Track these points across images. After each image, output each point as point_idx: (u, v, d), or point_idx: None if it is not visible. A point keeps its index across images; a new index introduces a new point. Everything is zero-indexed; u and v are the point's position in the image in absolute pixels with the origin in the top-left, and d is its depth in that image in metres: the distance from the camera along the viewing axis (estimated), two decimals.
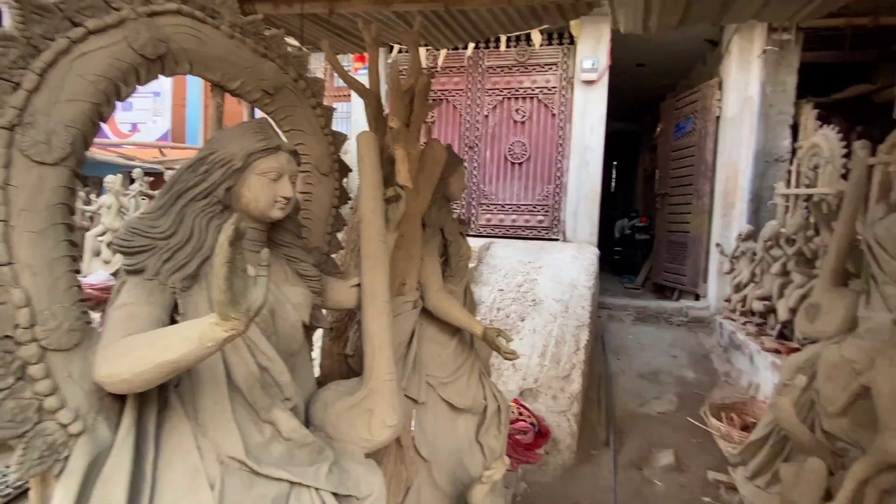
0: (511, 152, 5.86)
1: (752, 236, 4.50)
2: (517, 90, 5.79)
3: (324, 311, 1.62)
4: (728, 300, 4.85)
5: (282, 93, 1.41)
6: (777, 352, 3.52)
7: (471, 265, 5.01)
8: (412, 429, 1.90)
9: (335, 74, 2.84)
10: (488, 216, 6.02)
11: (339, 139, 1.61)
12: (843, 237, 2.41)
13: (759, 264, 4.23)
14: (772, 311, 3.90)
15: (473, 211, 6.07)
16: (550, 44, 5.59)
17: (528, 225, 5.88)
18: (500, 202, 5.97)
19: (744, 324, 4.42)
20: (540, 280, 4.66)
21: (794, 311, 3.38)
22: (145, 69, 1.07)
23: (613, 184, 14.37)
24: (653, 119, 8.25)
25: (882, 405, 1.72)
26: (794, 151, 4.65)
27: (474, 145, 5.99)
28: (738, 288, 4.61)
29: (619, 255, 8.87)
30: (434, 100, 1.97)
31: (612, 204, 13.72)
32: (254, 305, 0.84)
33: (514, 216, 5.92)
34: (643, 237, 7.80)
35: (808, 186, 4.01)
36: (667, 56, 6.31)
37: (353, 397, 1.43)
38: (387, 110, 1.73)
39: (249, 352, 1.13)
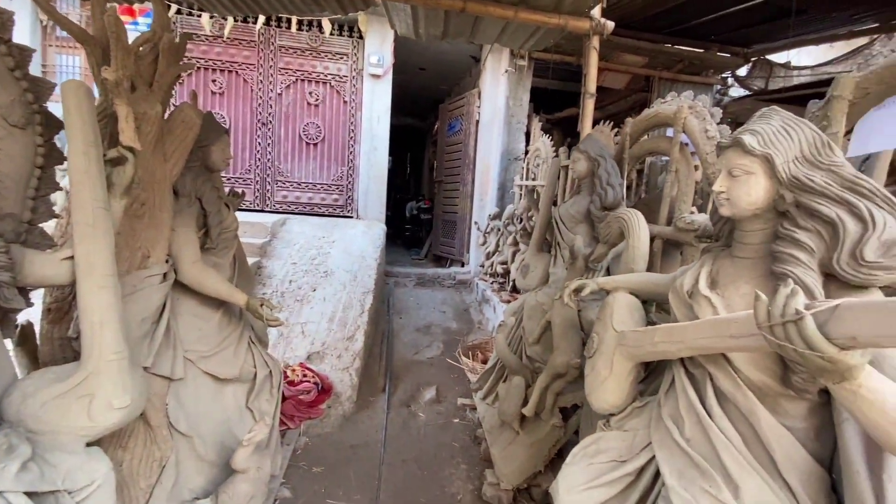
0: (306, 133, 5.52)
1: (497, 216, 5.21)
2: (311, 73, 5.45)
3: (30, 289, 1.24)
4: (482, 266, 5.55)
5: None
6: (510, 302, 4.18)
7: (263, 240, 4.59)
8: (167, 405, 1.63)
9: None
10: (284, 193, 5.59)
11: (40, 87, 1.22)
12: (543, 216, 2.95)
13: (501, 237, 4.93)
14: (508, 272, 4.61)
15: (269, 188, 5.56)
16: (341, 35, 5.39)
17: (324, 203, 5.67)
18: (296, 180, 5.60)
19: (491, 283, 5.12)
20: (332, 253, 4.56)
21: None
22: None
23: (408, 170, 14.99)
24: (434, 118, 8.79)
25: (555, 333, 2.17)
26: (526, 153, 5.51)
27: (268, 122, 5.45)
28: (489, 256, 5.31)
29: (409, 231, 9.34)
30: (185, 62, 1.65)
31: (406, 188, 14.35)
32: None
33: (310, 194, 5.63)
34: (427, 217, 8.33)
35: (533, 179, 4.81)
36: (443, 65, 6.73)
37: (64, 384, 1.13)
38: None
39: None
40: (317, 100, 5.48)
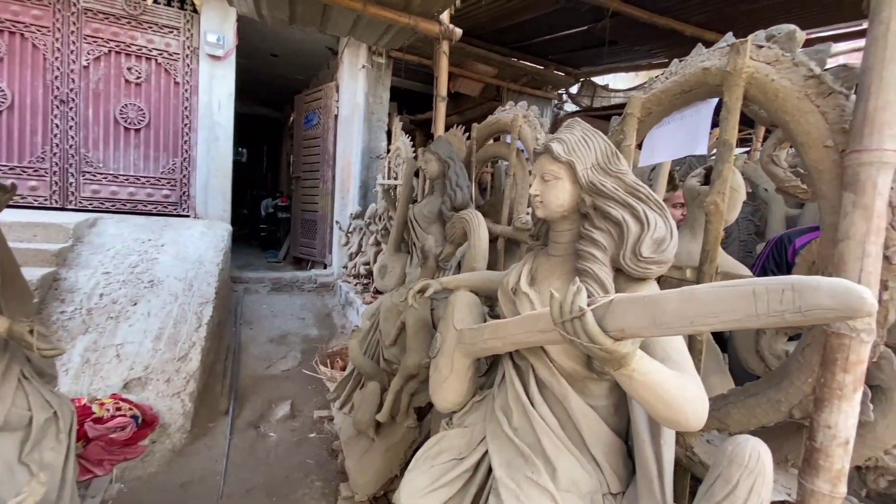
0: (124, 116, 4.62)
1: (360, 215, 5.08)
2: (130, 46, 4.58)
3: None
4: (345, 267, 5.36)
5: None
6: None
7: (62, 245, 3.70)
8: None
9: None
10: (95, 187, 4.61)
11: None
12: (400, 216, 2.94)
13: (364, 237, 4.82)
14: (371, 273, 4.52)
15: (73, 181, 4.52)
16: (170, 5, 4.64)
17: (151, 199, 4.83)
18: (111, 172, 4.65)
19: (355, 285, 4.98)
20: (161, 259, 3.90)
21: None
22: None
23: (265, 165, 13.78)
24: (292, 109, 8.21)
25: (408, 334, 2.16)
26: (388, 151, 5.48)
27: (69, 100, 4.42)
28: (352, 257, 5.15)
29: (265, 232, 8.57)
30: None
31: (263, 184, 13.18)
32: None
33: (131, 189, 4.74)
34: (284, 215, 7.75)
35: (394, 179, 4.80)
36: (298, 53, 6.31)
37: None
38: None
39: None
40: (139, 77, 4.63)
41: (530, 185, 1.18)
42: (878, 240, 0.89)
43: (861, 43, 1.00)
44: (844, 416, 0.87)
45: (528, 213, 2.42)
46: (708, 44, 1.36)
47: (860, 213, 0.88)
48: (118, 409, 2.52)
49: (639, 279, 1.01)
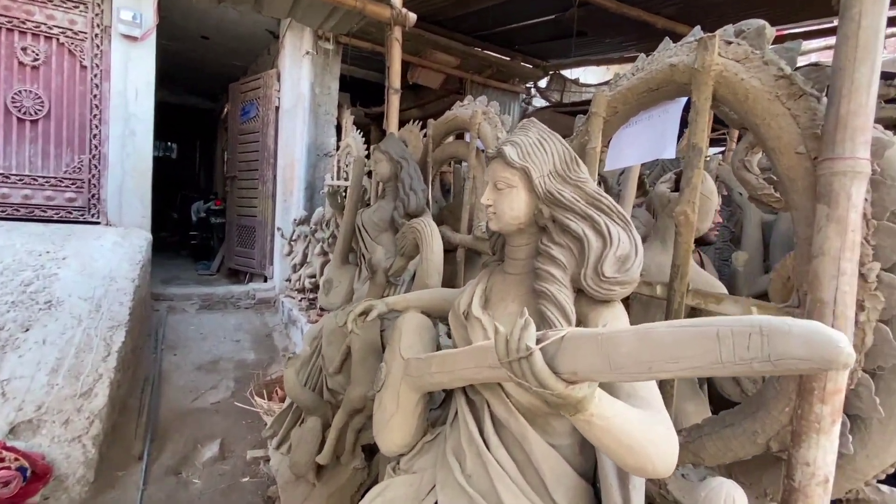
0: (17, 104, 4.29)
1: (305, 221, 4.93)
2: (23, 22, 4.26)
3: None
4: (289, 280, 5.19)
5: None
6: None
7: None
8: None
9: None
10: None
11: None
12: (347, 223, 2.85)
13: (309, 246, 4.68)
14: (318, 286, 4.38)
15: None
16: None
17: (51, 204, 4.49)
18: (0, 171, 4.30)
19: (300, 300, 4.81)
20: (62, 275, 3.62)
21: None
22: None
23: (198, 163, 13.24)
24: (227, 99, 7.92)
25: (353, 360, 2.07)
26: (338, 148, 5.36)
27: None
28: (295, 269, 4.98)
29: (196, 239, 8.19)
30: None
31: (196, 185, 12.64)
32: None
33: (26, 191, 4.39)
34: (218, 220, 7.44)
35: (346, 179, 4.69)
36: (233, 36, 6.09)
37: None
38: None
39: None
40: (36, 59, 4.32)
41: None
42: (854, 256, 0.90)
43: (833, 41, 1.02)
44: (823, 452, 0.87)
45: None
46: (678, 37, 1.37)
47: (834, 228, 0.89)
48: (1, 460, 2.29)
49: (602, 301, 0.99)
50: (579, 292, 1.01)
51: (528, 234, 1.10)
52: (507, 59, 6.30)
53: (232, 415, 3.33)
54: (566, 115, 5.57)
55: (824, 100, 1.01)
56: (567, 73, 6.71)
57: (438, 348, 1.45)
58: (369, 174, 4.36)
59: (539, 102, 7.27)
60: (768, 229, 2.68)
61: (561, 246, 1.02)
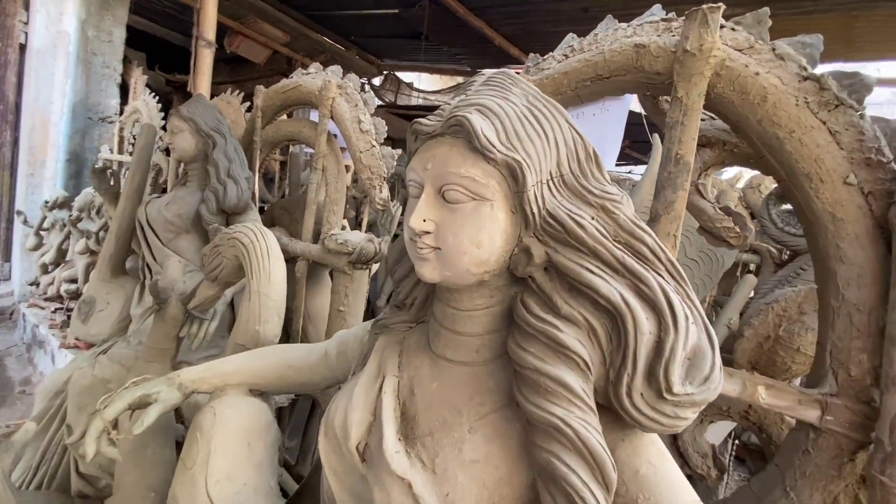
0: None
1: (64, 204, 3.35)
2: None
3: None
4: (35, 284, 3.51)
5: None
6: (78, 348, 2.64)
7: None
8: None
9: None
10: None
11: None
12: (124, 216, 1.81)
13: (70, 239, 3.18)
14: (80, 295, 2.97)
15: None
16: None
17: None
18: None
19: (53, 312, 3.25)
20: None
21: None
22: None
23: None
24: None
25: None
26: (122, 113, 3.86)
27: None
28: (47, 268, 3.37)
29: None
30: None
31: None
32: None
33: None
34: None
35: (131, 154, 3.32)
36: None
37: None
38: None
39: None
40: None
41: (402, 208, 0.52)
42: None
43: None
44: None
45: (345, 227, 1.74)
46: (511, 60, 0.95)
47: None
48: None
49: (644, 429, 0.48)
50: (601, 407, 0.49)
51: (493, 290, 0.53)
52: (343, 48, 5.52)
53: None
54: (401, 118, 5.10)
55: (866, 115, 0.69)
56: (402, 75, 6.26)
57: (289, 468, 0.77)
58: (168, 152, 3.16)
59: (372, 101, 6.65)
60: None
61: (576, 323, 0.47)
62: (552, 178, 0.50)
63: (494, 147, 0.47)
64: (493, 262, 0.50)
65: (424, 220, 0.49)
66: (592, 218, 0.48)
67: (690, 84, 0.78)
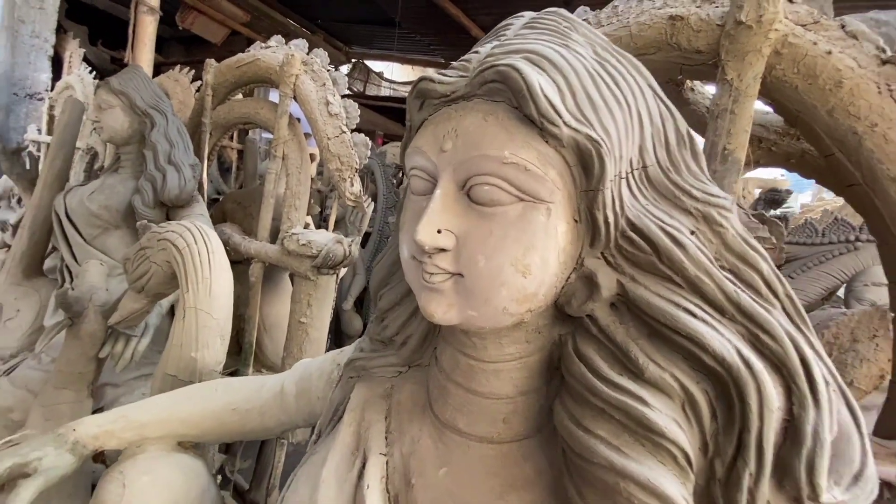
0: None
1: None
2: None
3: None
4: None
5: None
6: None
7: None
8: None
9: None
10: None
11: None
12: (40, 206, 1.52)
13: None
14: None
15: None
16: None
17: None
18: None
19: None
20: None
21: None
22: None
23: None
24: None
25: None
26: (52, 89, 3.45)
27: None
28: None
29: None
30: None
31: None
32: None
33: None
34: None
35: None
36: None
37: None
38: None
39: None
40: None
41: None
42: None
43: None
44: None
45: (308, 225, 1.52)
46: None
47: None
48: None
49: None
50: None
51: (531, 332, 0.36)
52: (309, 33, 5.20)
53: None
54: (370, 109, 4.86)
55: None
56: (372, 65, 5.99)
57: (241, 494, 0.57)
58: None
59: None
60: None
61: (662, 390, 0.31)
62: (632, 171, 0.33)
63: (561, 116, 0.30)
64: (541, 295, 0.33)
65: (439, 232, 0.32)
66: (692, 233, 0.32)
67: (744, 64, 0.64)
